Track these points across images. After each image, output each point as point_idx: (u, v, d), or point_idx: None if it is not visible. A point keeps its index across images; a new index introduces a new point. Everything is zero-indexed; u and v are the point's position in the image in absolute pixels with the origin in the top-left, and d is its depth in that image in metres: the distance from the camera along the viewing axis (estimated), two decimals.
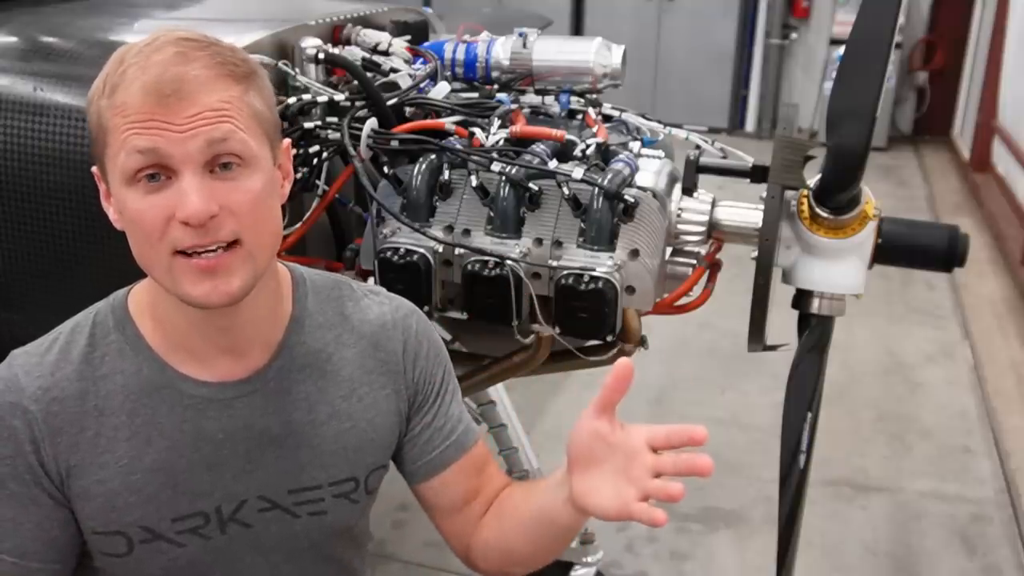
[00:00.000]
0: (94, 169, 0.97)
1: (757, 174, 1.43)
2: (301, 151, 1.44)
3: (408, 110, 1.55)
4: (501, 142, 1.45)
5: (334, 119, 1.47)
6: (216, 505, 1.03)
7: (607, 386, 0.96)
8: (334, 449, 1.08)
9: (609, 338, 1.37)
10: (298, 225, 1.47)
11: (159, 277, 0.93)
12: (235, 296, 0.93)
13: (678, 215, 1.45)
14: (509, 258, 1.35)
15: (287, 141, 1.03)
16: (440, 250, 1.39)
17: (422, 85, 1.56)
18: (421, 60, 1.63)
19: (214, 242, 0.90)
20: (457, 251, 1.38)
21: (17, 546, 0.98)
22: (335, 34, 1.67)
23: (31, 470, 0.97)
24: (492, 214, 1.39)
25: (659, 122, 1.62)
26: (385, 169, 1.44)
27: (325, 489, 1.08)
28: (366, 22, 1.74)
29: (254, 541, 1.06)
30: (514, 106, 1.55)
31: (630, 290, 1.37)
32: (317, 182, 1.47)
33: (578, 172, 1.36)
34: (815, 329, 1.43)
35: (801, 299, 1.44)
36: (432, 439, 1.16)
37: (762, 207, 1.39)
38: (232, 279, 0.92)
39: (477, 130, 1.46)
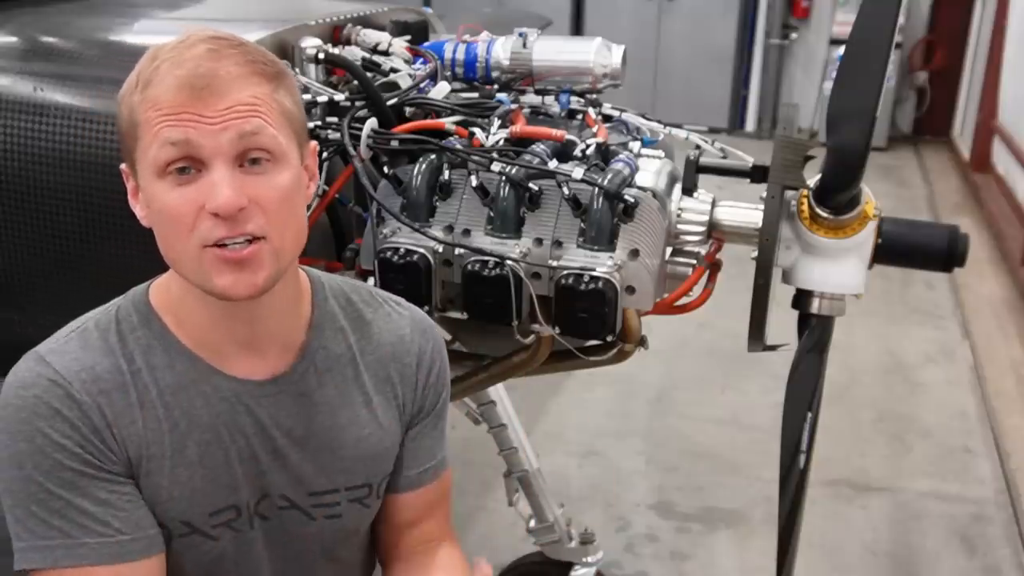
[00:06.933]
0: (122, 166, 0.98)
1: (757, 174, 1.43)
2: None
3: (408, 110, 1.55)
4: (501, 142, 1.45)
5: (334, 119, 1.47)
6: (247, 499, 1.04)
7: None
8: (354, 455, 1.09)
9: (609, 338, 1.37)
10: None
11: (186, 270, 0.94)
12: (259, 288, 0.94)
13: (678, 215, 1.45)
14: (509, 258, 1.35)
15: (314, 143, 1.04)
16: (440, 250, 1.39)
17: (422, 85, 1.56)
18: (421, 60, 1.63)
19: (242, 234, 0.91)
20: (457, 251, 1.38)
21: (125, 522, 0.96)
22: (335, 34, 1.67)
23: (103, 454, 0.96)
24: (492, 214, 1.39)
25: (659, 122, 1.62)
26: (385, 169, 1.44)
27: (342, 494, 1.09)
28: (366, 22, 1.74)
29: (268, 536, 1.07)
30: (514, 106, 1.55)
31: (630, 290, 1.37)
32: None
33: (578, 172, 1.36)
34: (815, 329, 1.43)
35: (801, 299, 1.44)
36: (416, 457, 1.16)
37: (762, 207, 1.38)
38: (258, 272, 0.93)
39: (477, 130, 1.46)
